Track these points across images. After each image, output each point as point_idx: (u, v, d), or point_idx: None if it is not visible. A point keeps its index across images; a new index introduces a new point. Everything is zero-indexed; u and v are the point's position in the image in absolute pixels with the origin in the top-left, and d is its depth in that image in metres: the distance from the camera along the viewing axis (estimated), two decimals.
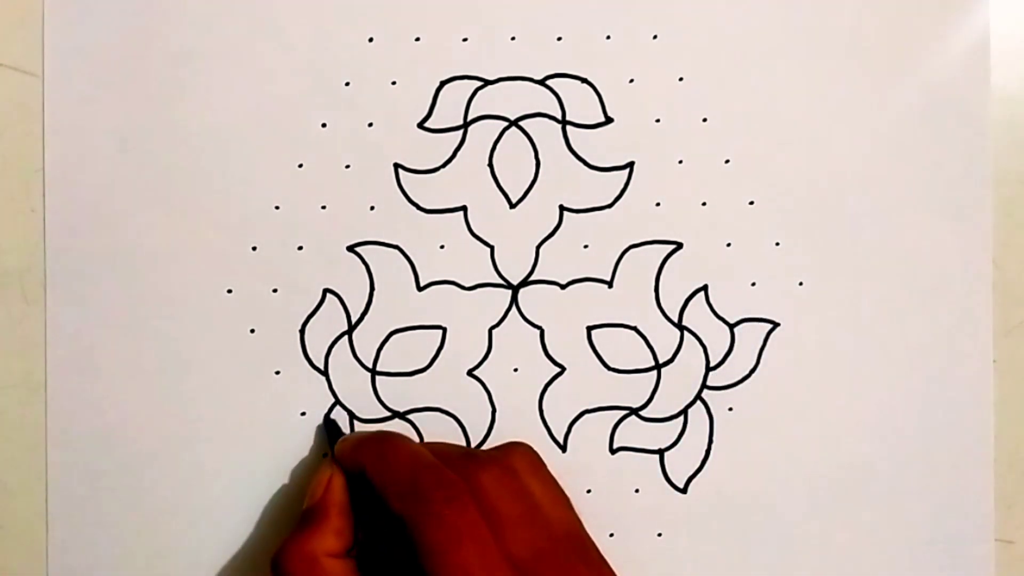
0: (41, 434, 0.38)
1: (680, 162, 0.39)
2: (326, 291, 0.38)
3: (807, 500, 0.40)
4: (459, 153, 0.39)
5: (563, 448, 0.39)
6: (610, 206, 0.39)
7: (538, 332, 0.39)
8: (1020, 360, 0.41)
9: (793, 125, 0.40)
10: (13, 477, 0.38)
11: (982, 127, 0.40)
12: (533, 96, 0.39)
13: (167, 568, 0.38)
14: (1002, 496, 0.41)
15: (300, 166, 0.38)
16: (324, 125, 0.38)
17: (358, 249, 0.39)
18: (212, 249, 0.38)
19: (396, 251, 0.39)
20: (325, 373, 0.39)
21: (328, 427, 0.38)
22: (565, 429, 0.39)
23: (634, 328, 0.40)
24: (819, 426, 0.40)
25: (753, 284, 0.40)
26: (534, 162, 0.39)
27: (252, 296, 0.38)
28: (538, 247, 0.39)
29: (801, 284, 0.40)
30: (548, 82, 0.39)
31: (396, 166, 0.39)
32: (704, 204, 0.40)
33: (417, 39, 0.39)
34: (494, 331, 0.39)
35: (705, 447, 0.40)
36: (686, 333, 0.40)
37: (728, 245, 0.40)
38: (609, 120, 0.39)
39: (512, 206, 0.39)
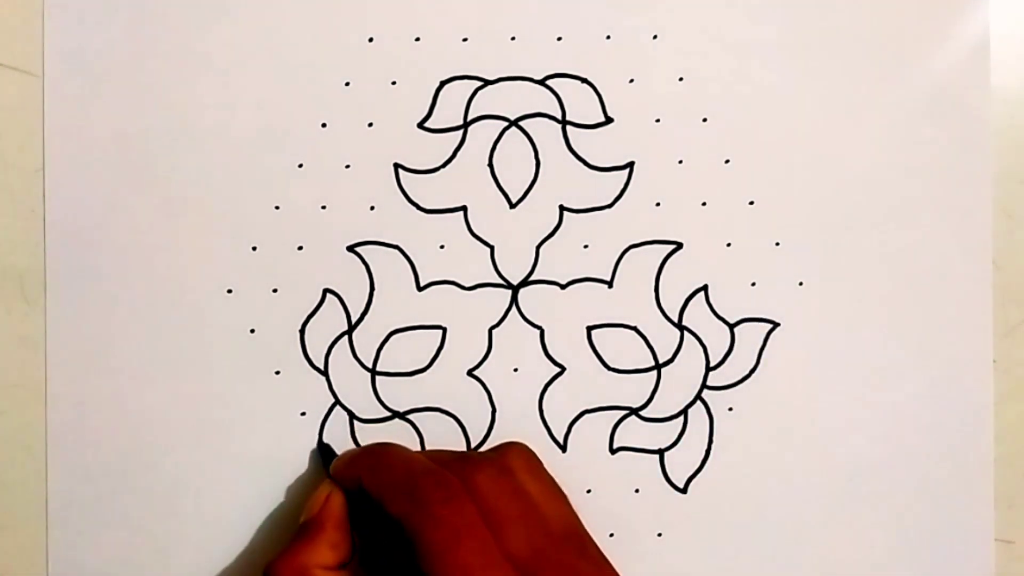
0: (41, 434, 0.38)
1: (680, 162, 0.39)
2: (326, 291, 0.38)
3: (807, 500, 0.40)
4: (459, 153, 0.39)
5: (563, 448, 0.39)
6: (610, 206, 0.39)
7: (538, 332, 0.39)
8: (1020, 360, 0.41)
9: (793, 125, 0.40)
10: (13, 477, 0.38)
11: (982, 127, 0.40)
12: (533, 96, 0.39)
13: (167, 568, 0.38)
14: (1002, 496, 0.41)
15: (300, 166, 0.38)
16: (324, 125, 0.38)
17: (358, 249, 0.39)
18: (212, 249, 0.38)
19: (396, 251, 0.39)
20: (325, 373, 0.39)
21: (322, 451, 0.38)
22: (565, 429, 0.39)
23: (634, 328, 0.40)
24: (819, 426, 0.40)
25: (753, 284, 0.40)
26: (534, 162, 0.39)
27: (252, 296, 0.38)
28: (538, 247, 0.39)
29: (801, 284, 0.40)
30: (548, 82, 0.39)
31: (396, 166, 0.39)
32: (704, 204, 0.40)
33: (417, 39, 0.39)
34: (494, 331, 0.39)
35: (705, 447, 0.40)
36: (686, 333, 0.40)
37: (728, 245, 0.40)
38: (609, 120, 0.39)
39: (512, 206, 0.39)
